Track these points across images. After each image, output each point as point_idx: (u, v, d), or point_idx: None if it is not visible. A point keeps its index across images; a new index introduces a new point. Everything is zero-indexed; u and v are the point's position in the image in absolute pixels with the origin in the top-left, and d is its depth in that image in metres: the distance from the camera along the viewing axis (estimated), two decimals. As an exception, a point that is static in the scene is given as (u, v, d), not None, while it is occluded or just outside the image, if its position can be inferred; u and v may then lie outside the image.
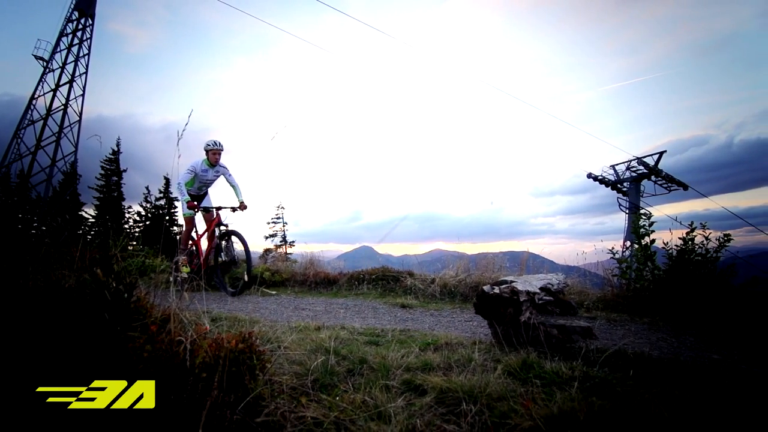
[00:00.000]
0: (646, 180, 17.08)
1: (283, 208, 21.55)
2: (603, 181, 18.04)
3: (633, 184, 16.77)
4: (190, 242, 6.45)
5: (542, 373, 1.70)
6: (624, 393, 1.50)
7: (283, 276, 6.99)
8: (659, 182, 16.85)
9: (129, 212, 28.50)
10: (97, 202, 27.78)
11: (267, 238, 21.47)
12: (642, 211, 4.82)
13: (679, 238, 4.42)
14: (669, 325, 3.76)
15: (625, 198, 17.19)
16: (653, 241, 4.86)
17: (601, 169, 18.17)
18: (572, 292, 5.23)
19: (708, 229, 4.65)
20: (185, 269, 6.13)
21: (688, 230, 4.60)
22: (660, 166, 16.54)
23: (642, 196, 16.90)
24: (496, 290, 2.16)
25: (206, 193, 6.46)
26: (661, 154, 16.39)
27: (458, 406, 1.39)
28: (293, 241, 22.00)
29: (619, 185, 17.80)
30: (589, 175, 17.87)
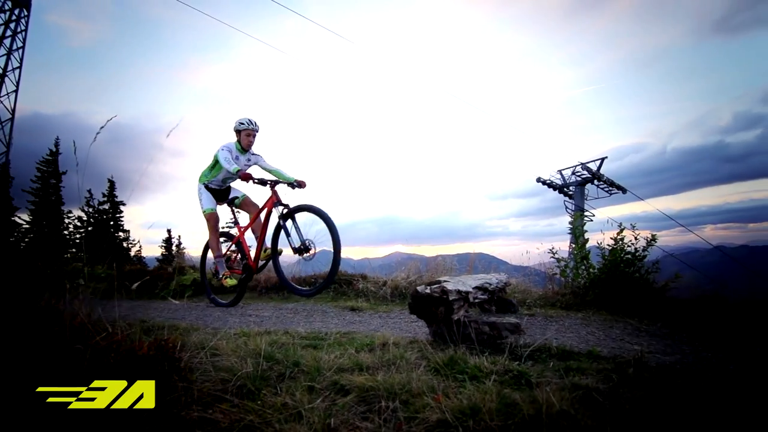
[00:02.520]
0: (589, 184, 18.26)
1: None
2: (551, 185, 19.08)
3: (578, 188, 17.86)
4: (222, 241, 5.25)
5: (466, 368, 1.76)
6: (537, 384, 1.59)
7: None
8: (601, 186, 18.07)
9: (69, 217, 26.55)
10: (33, 207, 25.70)
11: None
12: (577, 213, 5.12)
13: (611, 238, 4.74)
14: (600, 319, 4.01)
15: (571, 201, 18.26)
16: (586, 240, 5.18)
17: (549, 173, 19.30)
18: (516, 290, 5.45)
19: (638, 229, 5.02)
20: (230, 281, 5.03)
21: (618, 231, 4.94)
22: (602, 171, 17.76)
23: (586, 199, 18.03)
24: (428, 290, 2.22)
25: (230, 188, 5.29)
26: (602, 159, 17.65)
27: (378, 404, 1.42)
28: (249, 247, 21.40)
29: (565, 189, 18.89)
30: (539, 179, 18.83)
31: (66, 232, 25.80)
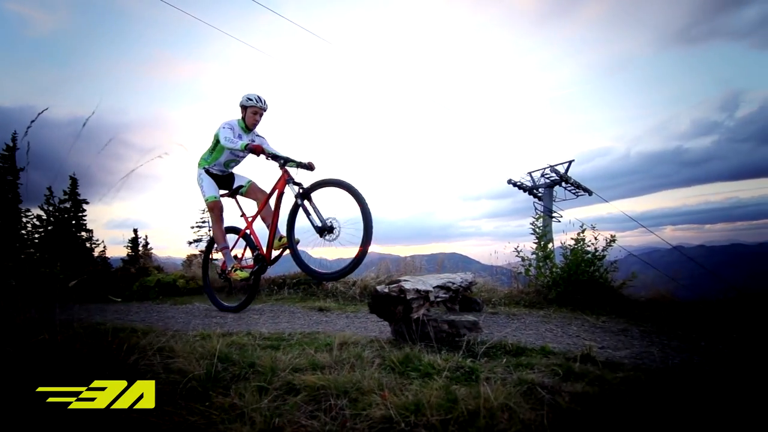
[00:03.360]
0: (558, 186, 18.89)
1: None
2: (521, 186, 19.62)
3: (547, 190, 18.45)
4: (227, 232, 4.72)
5: (419, 365, 1.79)
6: (486, 379, 1.64)
7: (200, 283, 6.63)
8: (568, 188, 18.72)
9: (27, 216, 25.22)
10: (-14, 205, 24.28)
11: (191, 243, 20.17)
12: (540, 214, 5.27)
13: (572, 239, 4.91)
14: (560, 317, 4.14)
15: (540, 202, 18.82)
16: (549, 240, 5.34)
17: (520, 175, 19.86)
18: (483, 289, 5.56)
19: (599, 230, 5.22)
20: (241, 274, 4.51)
21: (579, 231, 5.13)
22: (570, 173, 18.42)
23: (555, 201, 18.64)
24: (386, 290, 2.25)
25: (233, 176, 4.82)
26: (570, 162, 18.31)
27: (327, 402, 1.43)
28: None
29: (534, 191, 19.47)
30: (509, 181, 19.32)
31: (24, 232, 24.50)
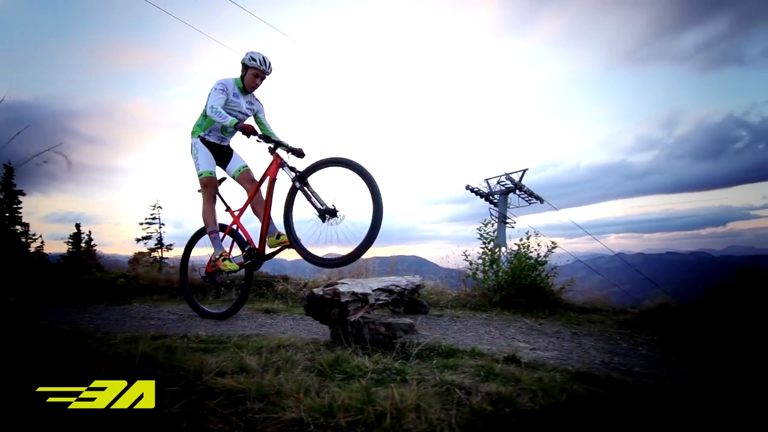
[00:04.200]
0: (512, 193, 19.69)
1: (160, 207, 19.35)
2: (478, 192, 20.26)
3: (502, 197, 19.18)
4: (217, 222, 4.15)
5: (347, 368, 1.81)
6: (408, 380, 1.68)
7: (142, 283, 6.31)
8: (522, 196, 19.55)
9: (-48, 207, 23.00)
10: None
11: (138, 240, 19.12)
12: (487, 220, 5.45)
13: (515, 244, 5.12)
14: (501, 319, 4.30)
15: (495, 208, 19.50)
16: (497, 245, 5.53)
17: (477, 182, 20.50)
18: (433, 292, 5.67)
19: (548, 236, 5.47)
20: (230, 265, 3.97)
21: (521, 238, 5.36)
22: (524, 181, 19.25)
23: (509, 207, 19.39)
24: (321, 292, 2.25)
25: (230, 149, 4.27)
26: (524, 171, 19.13)
27: (243, 406, 1.40)
28: (171, 245, 19.87)
29: (490, 197, 20.17)
30: (467, 187, 19.90)
31: (-53, 224, 22.32)
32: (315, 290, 2.29)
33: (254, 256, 3.99)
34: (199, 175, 3.99)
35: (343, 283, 2.43)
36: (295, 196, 3.70)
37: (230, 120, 3.61)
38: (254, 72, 3.90)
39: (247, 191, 4.17)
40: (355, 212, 3.49)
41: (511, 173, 19.00)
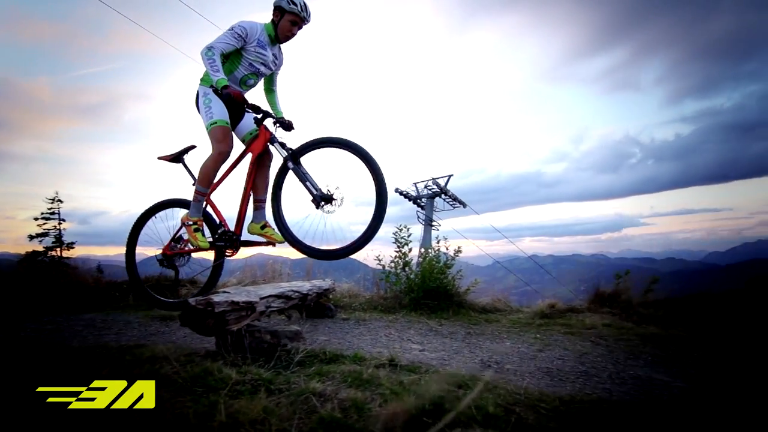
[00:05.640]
0: (438, 197, 20.60)
1: (60, 201, 17.46)
2: (407, 196, 20.91)
3: (428, 200, 19.98)
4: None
5: (211, 381, 1.76)
6: (274, 390, 1.68)
7: None
8: (447, 200, 20.53)
9: None
10: None
11: (33, 238, 17.02)
12: (401, 225, 5.62)
13: (421, 249, 5.33)
14: (405, 321, 4.44)
15: (422, 211, 20.26)
16: (410, 249, 5.71)
17: (406, 185, 21.14)
18: (348, 294, 5.71)
19: (467, 239, 5.78)
20: (201, 239, 3.33)
21: (438, 240, 5.61)
22: (449, 186, 20.23)
23: (435, 211, 20.26)
24: (193, 303, 2.16)
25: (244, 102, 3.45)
26: (449, 176, 20.13)
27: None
28: (73, 243, 17.97)
29: (418, 200, 20.92)
30: (397, 190, 20.44)
31: None
32: (190, 300, 2.19)
33: (228, 239, 3.43)
34: (212, 124, 3.28)
35: (224, 292, 2.36)
36: (285, 177, 3.28)
37: (219, 78, 2.99)
38: (292, 18, 3.25)
39: (261, 161, 3.58)
40: (352, 199, 3.21)
41: (438, 178, 19.91)
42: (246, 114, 3.51)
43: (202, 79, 3.44)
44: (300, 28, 3.35)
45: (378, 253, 5.96)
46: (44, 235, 18.78)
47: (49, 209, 19.50)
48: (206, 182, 3.36)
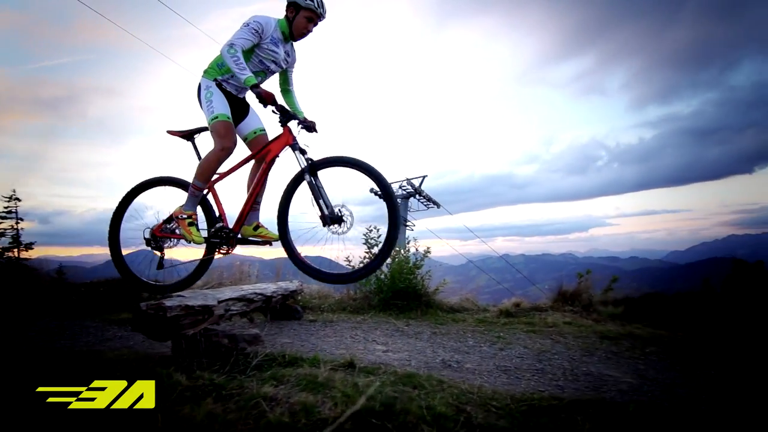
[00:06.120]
0: (412, 198, 20.69)
1: (17, 199, 16.53)
2: (381, 196, 20.71)
3: (403, 201, 19.99)
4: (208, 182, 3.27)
5: (160, 386, 1.72)
6: (225, 396, 1.65)
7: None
8: (421, 201, 20.64)
9: None
10: None
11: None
12: (371, 226, 5.63)
13: (395, 250, 5.36)
14: (373, 321, 4.45)
15: (397, 212, 20.16)
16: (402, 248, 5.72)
17: (381, 186, 20.92)
18: (318, 296, 5.67)
19: (444, 238, 5.85)
20: (195, 234, 3.15)
21: (410, 241, 5.65)
22: (423, 187, 20.34)
23: (409, 211, 20.34)
24: (144, 307, 2.10)
25: (247, 104, 3.47)
26: (423, 177, 20.23)
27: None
28: (32, 243, 17.08)
29: (392, 201, 20.80)
30: (371, 190, 20.39)
31: None
32: (142, 305, 2.13)
33: (225, 236, 3.24)
34: (213, 119, 3.14)
35: (178, 296, 2.30)
36: (298, 187, 3.14)
37: (247, 76, 2.87)
38: (308, 14, 3.11)
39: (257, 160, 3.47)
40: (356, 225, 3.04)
41: (412, 179, 20.00)
42: (249, 112, 3.44)
43: (205, 72, 3.28)
44: (315, 25, 3.21)
45: (348, 253, 5.94)
46: (0, 235, 17.76)
47: (5, 208, 18.46)
48: (205, 177, 3.22)
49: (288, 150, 3.10)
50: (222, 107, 3.16)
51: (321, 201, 3.00)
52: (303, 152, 3.10)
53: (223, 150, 3.14)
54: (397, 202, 2.96)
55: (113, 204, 3.58)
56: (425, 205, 20.58)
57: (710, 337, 3.70)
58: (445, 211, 20.98)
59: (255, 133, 3.42)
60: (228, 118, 3.16)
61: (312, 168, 3.06)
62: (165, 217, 3.41)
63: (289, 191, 3.16)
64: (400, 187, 20.03)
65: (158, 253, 3.40)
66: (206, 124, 3.28)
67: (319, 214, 3.01)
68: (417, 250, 5.69)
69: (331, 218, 2.98)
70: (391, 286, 5.19)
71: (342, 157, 3.04)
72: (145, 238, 3.48)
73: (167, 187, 3.48)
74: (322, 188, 3.06)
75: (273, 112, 3.09)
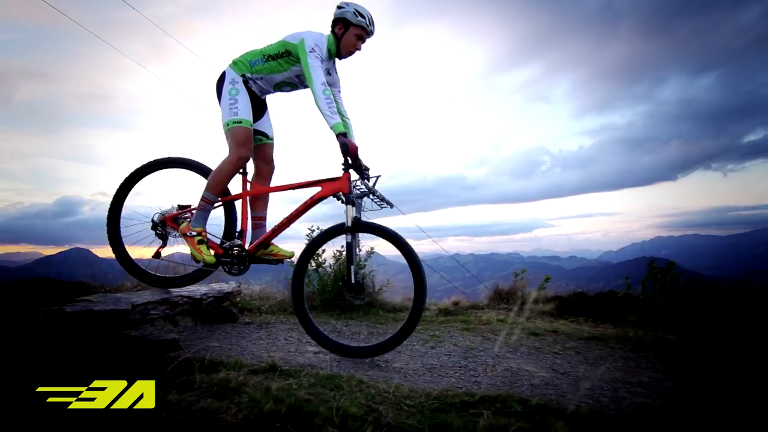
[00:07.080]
0: (366, 197, 20.80)
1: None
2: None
3: (357, 200, 20.04)
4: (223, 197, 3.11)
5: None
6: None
7: None
8: (375, 200, 20.80)
9: None
10: None
11: None
12: (316, 225, 5.58)
13: (336, 250, 5.35)
14: (316, 321, 4.42)
15: (350, 211, 20.30)
16: (323, 250, 5.68)
17: (335, 185, 20.94)
18: (260, 296, 5.53)
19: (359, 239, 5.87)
20: (207, 254, 2.89)
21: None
22: (377, 187, 20.49)
23: (363, 211, 20.41)
24: (41, 314, 1.97)
25: (265, 104, 3.22)
26: (378, 177, 20.34)
27: None
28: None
29: (346, 200, 20.91)
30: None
31: None
32: (39, 310, 1.99)
33: (238, 255, 3.07)
34: (235, 122, 2.86)
35: (84, 300, 2.17)
36: (327, 239, 3.13)
37: (336, 123, 2.68)
38: (359, 32, 2.91)
39: (258, 171, 3.29)
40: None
41: (366, 178, 20.12)
42: (265, 115, 3.27)
43: (234, 63, 3.00)
44: (364, 42, 3.03)
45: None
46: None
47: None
48: (218, 190, 3.00)
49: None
50: (246, 112, 2.93)
51: (352, 266, 2.96)
52: (354, 206, 3.11)
53: (240, 160, 2.94)
54: (426, 288, 2.98)
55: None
56: (379, 205, 20.74)
57: (630, 333, 4.00)
58: (398, 211, 21.38)
59: (261, 140, 3.25)
60: (251, 125, 2.96)
61: (356, 228, 3.08)
62: (181, 207, 3.21)
63: (319, 242, 3.14)
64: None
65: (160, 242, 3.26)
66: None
67: (344, 276, 3.01)
68: (360, 250, 5.72)
69: (354, 287, 2.98)
70: (334, 286, 5.18)
71: (388, 230, 3.08)
72: (152, 221, 3.24)
73: (180, 170, 3.21)
74: (356, 253, 3.05)
75: (352, 167, 3.09)
